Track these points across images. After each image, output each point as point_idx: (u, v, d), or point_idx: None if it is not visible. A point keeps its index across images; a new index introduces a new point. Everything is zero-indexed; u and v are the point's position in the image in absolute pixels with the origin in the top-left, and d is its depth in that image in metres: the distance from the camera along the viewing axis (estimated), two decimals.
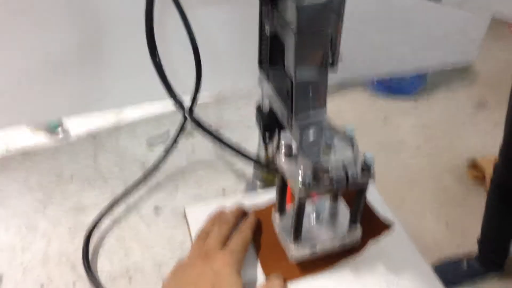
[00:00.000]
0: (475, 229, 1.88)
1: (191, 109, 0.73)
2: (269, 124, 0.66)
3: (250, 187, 0.81)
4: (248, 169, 0.85)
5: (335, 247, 0.63)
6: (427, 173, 2.42)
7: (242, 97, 1.04)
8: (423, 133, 2.68)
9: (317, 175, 0.53)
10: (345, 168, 0.53)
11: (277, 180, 0.61)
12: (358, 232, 0.63)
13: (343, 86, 2.88)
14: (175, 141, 0.82)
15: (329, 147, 0.54)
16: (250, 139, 0.92)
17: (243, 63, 0.79)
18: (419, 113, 2.84)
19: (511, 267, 1.92)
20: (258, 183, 0.81)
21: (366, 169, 0.54)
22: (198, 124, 0.71)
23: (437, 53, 1.07)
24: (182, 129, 0.79)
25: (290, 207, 0.65)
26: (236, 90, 0.98)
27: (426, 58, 1.08)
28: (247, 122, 0.99)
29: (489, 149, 2.44)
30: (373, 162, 0.54)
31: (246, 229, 0.65)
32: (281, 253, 0.63)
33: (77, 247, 0.71)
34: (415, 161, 2.49)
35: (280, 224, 0.64)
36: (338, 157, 0.53)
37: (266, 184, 0.80)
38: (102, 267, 0.69)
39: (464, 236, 2.06)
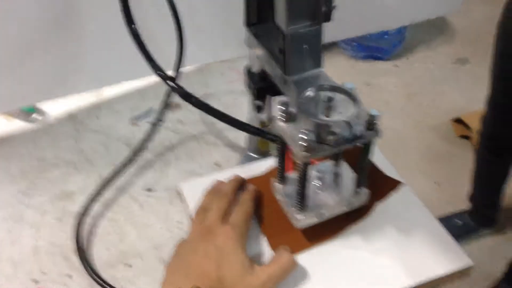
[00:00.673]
0: (464, 186, 1.89)
1: (175, 78, 0.68)
2: (262, 88, 0.62)
3: (245, 158, 0.78)
4: (241, 137, 0.81)
5: (342, 212, 0.59)
6: (413, 133, 2.41)
7: (225, 61, 1.00)
8: (406, 93, 2.67)
9: (320, 135, 0.49)
10: (349, 126, 0.49)
11: (276, 146, 0.58)
12: (365, 193, 0.60)
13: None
14: (161, 114, 0.78)
15: (330, 104, 0.50)
16: (238, 104, 0.88)
17: (227, 33, 0.75)
18: (400, 73, 2.83)
19: (503, 222, 1.93)
20: (252, 154, 0.77)
21: (371, 125, 0.51)
22: (185, 94, 0.67)
23: (420, 4, 1.04)
24: (168, 101, 0.75)
25: (291, 174, 0.61)
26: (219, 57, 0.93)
27: (409, 9, 1.04)
28: (232, 87, 0.95)
29: (472, 104, 2.44)
30: (378, 117, 0.50)
31: (246, 200, 0.61)
32: (286, 223, 0.59)
33: (68, 236, 0.68)
34: (400, 121, 2.48)
35: (282, 193, 0.60)
36: (340, 114, 0.50)
37: (261, 153, 0.76)
38: (98, 255, 0.66)
39: (455, 193, 2.07)
